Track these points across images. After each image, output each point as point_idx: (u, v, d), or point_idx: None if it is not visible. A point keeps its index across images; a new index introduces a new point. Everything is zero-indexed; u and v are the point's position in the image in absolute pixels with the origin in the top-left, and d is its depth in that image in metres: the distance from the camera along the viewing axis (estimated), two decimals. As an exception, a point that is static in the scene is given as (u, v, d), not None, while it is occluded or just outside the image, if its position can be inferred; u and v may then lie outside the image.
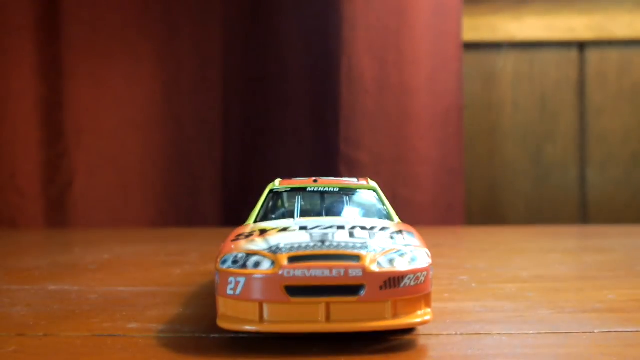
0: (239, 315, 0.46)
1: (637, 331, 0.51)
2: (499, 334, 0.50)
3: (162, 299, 0.64)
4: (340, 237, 0.49)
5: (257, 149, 1.36)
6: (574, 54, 1.45)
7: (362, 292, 0.45)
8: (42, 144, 1.35)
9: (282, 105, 1.35)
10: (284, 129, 1.35)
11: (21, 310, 0.60)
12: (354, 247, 0.47)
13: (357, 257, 0.46)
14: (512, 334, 0.50)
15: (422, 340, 0.49)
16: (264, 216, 0.59)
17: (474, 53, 1.43)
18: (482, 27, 1.43)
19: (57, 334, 0.52)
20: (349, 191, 0.60)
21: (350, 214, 0.58)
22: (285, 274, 0.45)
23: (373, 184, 0.62)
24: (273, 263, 0.46)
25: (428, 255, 0.49)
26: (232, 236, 0.52)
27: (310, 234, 0.50)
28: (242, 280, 0.46)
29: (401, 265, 0.46)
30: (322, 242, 0.48)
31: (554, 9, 1.42)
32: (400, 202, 1.25)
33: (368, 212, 0.58)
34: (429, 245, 0.51)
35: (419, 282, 0.46)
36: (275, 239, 0.49)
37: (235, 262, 0.47)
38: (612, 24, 1.42)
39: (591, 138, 1.45)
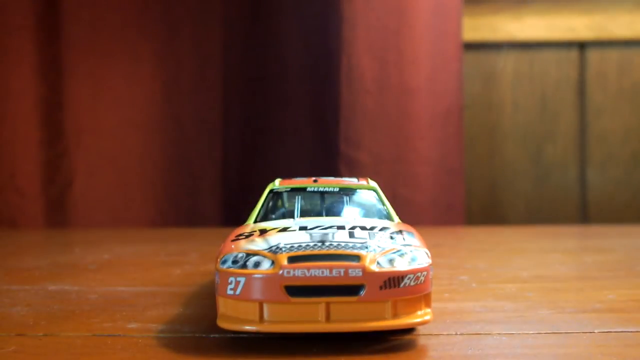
0: (239, 315, 0.46)
1: (637, 331, 0.51)
2: (499, 334, 0.50)
3: (162, 299, 0.64)
4: (340, 237, 0.49)
5: (257, 149, 1.36)
6: (574, 54, 1.45)
7: (362, 292, 0.45)
8: (42, 144, 1.35)
9: (282, 105, 1.34)
10: (284, 129, 1.35)
11: (21, 310, 0.60)
12: (353, 247, 0.47)
13: (357, 257, 0.46)
14: (512, 334, 0.50)
15: (422, 340, 0.49)
16: (264, 216, 0.59)
17: (474, 53, 1.43)
18: (482, 27, 1.43)
19: (57, 334, 0.52)
20: (349, 191, 0.60)
21: (350, 214, 0.58)
22: (285, 274, 0.45)
23: (373, 184, 0.62)
24: (273, 263, 0.46)
25: (428, 255, 0.49)
26: (232, 236, 0.52)
27: (310, 234, 0.50)
28: (242, 280, 0.46)
29: (401, 265, 0.46)
30: (322, 242, 0.48)
31: (554, 8, 1.42)
32: (400, 202, 1.25)
33: (368, 212, 0.58)
34: (429, 245, 0.51)
35: (419, 282, 0.46)
36: (275, 239, 0.49)
37: (235, 262, 0.47)
38: (612, 24, 1.42)
39: (591, 138, 1.45)
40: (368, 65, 1.28)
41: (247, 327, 0.46)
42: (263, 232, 0.52)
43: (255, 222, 0.57)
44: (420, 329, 0.51)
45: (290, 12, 1.33)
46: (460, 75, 1.30)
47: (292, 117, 1.34)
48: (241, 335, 0.49)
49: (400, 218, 0.59)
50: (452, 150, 1.30)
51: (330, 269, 0.45)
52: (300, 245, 0.47)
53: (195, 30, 1.36)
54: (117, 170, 1.36)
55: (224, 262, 0.47)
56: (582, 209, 1.46)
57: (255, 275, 0.45)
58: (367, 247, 0.47)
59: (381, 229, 0.52)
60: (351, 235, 0.50)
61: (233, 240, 0.51)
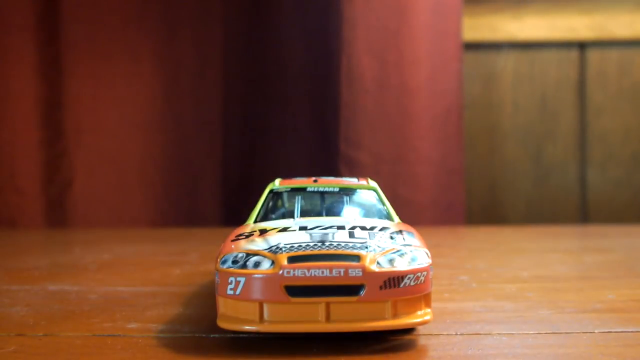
0: (239, 315, 0.46)
1: (637, 331, 0.51)
2: (499, 334, 0.50)
3: (162, 299, 0.64)
4: (340, 237, 0.49)
5: (257, 149, 1.36)
6: (574, 53, 1.45)
7: (362, 292, 0.45)
8: (42, 144, 1.35)
9: (282, 105, 1.34)
10: (284, 129, 1.35)
11: (21, 310, 0.60)
12: (353, 247, 0.47)
13: (357, 257, 0.46)
14: (512, 334, 0.50)
15: (422, 340, 0.49)
16: (264, 216, 0.59)
17: (474, 53, 1.43)
18: (482, 27, 1.43)
19: (57, 334, 0.52)
20: (349, 191, 0.60)
21: (350, 214, 0.58)
22: (285, 274, 0.45)
23: (373, 183, 0.62)
24: (273, 263, 0.46)
25: (428, 255, 0.49)
26: (232, 236, 0.52)
27: (310, 234, 0.50)
28: (242, 280, 0.46)
29: (401, 265, 0.46)
30: (322, 242, 0.48)
31: (555, 8, 1.42)
32: (400, 202, 1.25)
33: (368, 212, 0.58)
34: (429, 245, 0.51)
35: (418, 282, 0.46)
36: (275, 239, 0.49)
37: (235, 262, 0.47)
38: (612, 24, 1.42)
39: (591, 138, 1.45)
40: (368, 65, 1.28)
41: (247, 327, 0.46)
42: (263, 232, 0.52)
43: (255, 222, 0.57)
44: (420, 329, 0.51)
45: (290, 12, 1.33)
46: (460, 75, 1.30)
47: (292, 117, 1.34)
48: (241, 335, 0.49)
49: (400, 218, 0.59)
50: (452, 150, 1.30)
51: (330, 269, 0.45)
52: (300, 245, 0.47)
53: (195, 30, 1.36)
54: (117, 170, 1.36)
55: (224, 262, 0.47)
56: (582, 209, 1.46)
57: (255, 275, 0.45)
58: (367, 247, 0.47)
59: (381, 229, 0.52)
60: (351, 235, 0.50)
61: (233, 240, 0.51)
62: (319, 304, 0.45)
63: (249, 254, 0.47)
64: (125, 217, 1.37)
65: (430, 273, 0.48)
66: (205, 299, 0.64)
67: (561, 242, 1.09)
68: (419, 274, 0.47)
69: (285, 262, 0.45)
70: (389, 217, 0.58)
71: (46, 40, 1.34)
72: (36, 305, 0.62)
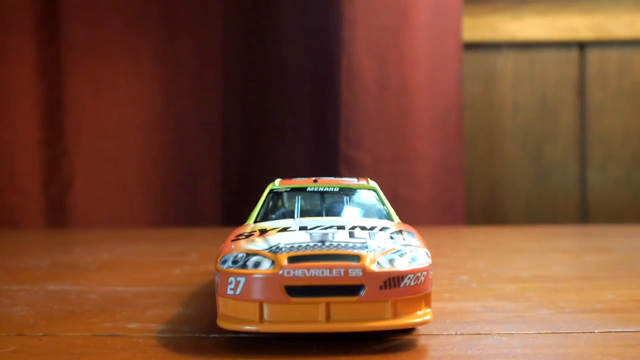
0: (239, 315, 0.46)
1: (637, 331, 0.51)
2: (499, 334, 0.50)
3: (162, 299, 0.64)
4: (340, 237, 0.49)
5: (257, 149, 1.36)
6: (574, 53, 1.45)
7: (362, 292, 0.45)
8: (42, 144, 1.35)
9: (282, 105, 1.35)
10: (284, 129, 1.35)
11: (21, 310, 0.60)
12: (353, 247, 0.47)
13: (357, 257, 0.46)
14: (512, 334, 0.50)
15: (422, 340, 0.49)
16: (264, 216, 0.59)
17: (474, 53, 1.43)
18: (482, 27, 1.43)
19: (57, 334, 0.52)
20: (349, 191, 0.60)
21: (350, 214, 0.58)
22: (285, 274, 0.45)
23: (373, 183, 0.62)
24: (273, 263, 0.46)
25: (428, 255, 0.49)
26: (232, 236, 0.52)
27: (310, 234, 0.50)
28: (242, 280, 0.46)
29: (401, 265, 0.46)
30: (322, 242, 0.48)
31: (554, 8, 1.42)
32: (400, 202, 1.25)
33: (368, 212, 0.58)
34: (429, 245, 0.51)
35: (419, 282, 0.46)
36: (275, 239, 0.49)
37: (235, 262, 0.47)
38: (612, 24, 1.42)
39: (591, 138, 1.45)
40: (368, 65, 1.28)
41: (247, 327, 0.46)
42: (263, 232, 0.52)
43: (255, 222, 0.57)
44: (420, 329, 0.51)
45: (290, 12, 1.33)
46: (460, 75, 1.30)
47: (292, 117, 1.34)
48: (241, 335, 0.49)
49: (400, 218, 0.59)
50: (452, 150, 1.30)
51: (330, 269, 0.45)
52: (300, 245, 0.47)
53: (195, 30, 1.36)
54: (117, 170, 1.36)
55: (224, 262, 0.47)
56: (582, 209, 1.46)
57: (255, 275, 0.45)
58: (367, 247, 0.47)
59: (381, 229, 0.52)
60: (351, 235, 0.50)
61: (233, 240, 0.51)
62: (319, 304, 0.45)
63: (249, 254, 0.47)
64: (125, 217, 1.37)
65: (430, 273, 0.48)
66: (205, 299, 0.64)
67: (561, 242, 1.09)
68: (419, 274, 0.47)
69: (285, 262, 0.45)
70: (389, 217, 0.58)
71: (46, 40, 1.34)
72: (36, 305, 0.62)
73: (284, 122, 1.34)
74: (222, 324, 0.47)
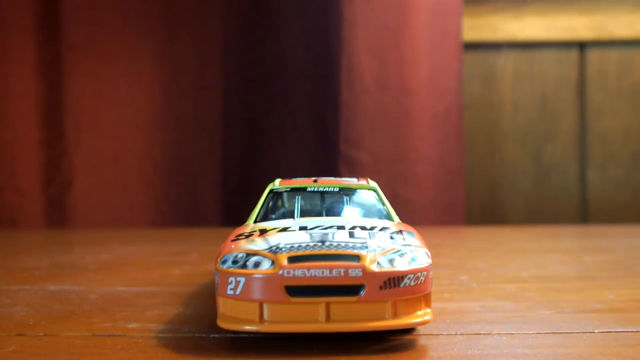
0: (239, 315, 0.46)
1: (637, 331, 0.51)
2: (499, 334, 0.50)
3: (162, 299, 0.64)
4: (340, 237, 0.49)
5: (257, 149, 1.36)
6: (574, 53, 1.45)
7: (362, 292, 0.45)
8: (42, 144, 1.35)
9: (282, 105, 1.35)
10: (284, 129, 1.35)
11: (21, 310, 0.60)
12: (353, 247, 0.47)
13: (357, 257, 0.46)
14: (512, 334, 0.50)
15: (422, 340, 0.49)
16: (264, 216, 0.59)
17: (474, 53, 1.43)
18: (482, 27, 1.43)
19: (57, 334, 0.52)
20: (349, 191, 0.60)
21: (350, 214, 0.58)
22: (285, 274, 0.45)
23: (373, 184, 0.62)
24: (273, 263, 0.46)
25: (428, 255, 0.49)
26: (232, 236, 0.52)
27: (310, 234, 0.50)
28: (242, 280, 0.46)
29: (401, 265, 0.46)
30: (322, 242, 0.48)
31: (555, 8, 1.42)
32: (400, 202, 1.25)
33: (368, 212, 0.58)
34: (429, 245, 0.51)
35: (418, 282, 0.46)
36: (275, 239, 0.49)
37: (235, 262, 0.47)
38: (612, 24, 1.42)
39: (591, 138, 1.45)
40: (368, 65, 1.28)
41: (247, 327, 0.46)
42: (263, 232, 0.52)
43: (255, 222, 0.57)
44: (420, 329, 0.51)
45: (290, 12, 1.33)
46: (460, 75, 1.30)
47: (292, 117, 1.34)
48: (241, 335, 0.49)
49: (400, 218, 0.59)
50: (452, 150, 1.30)
51: (330, 269, 0.45)
52: (300, 245, 0.47)
53: (195, 30, 1.36)
54: (117, 170, 1.36)
55: (224, 262, 0.47)
56: (582, 209, 1.46)
57: (255, 275, 0.45)
58: (367, 247, 0.47)
59: (381, 229, 0.52)
60: (351, 235, 0.50)
61: (233, 240, 0.51)
62: (319, 304, 0.45)
63: (249, 254, 0.47)
64: (125, 217, 1.37)
65: (430, 273, 0.48)
66: (205, 299, 0.64)
67: (561, 242, 1.09)
68: (419, 274, 0.47)
69: (285, 262, 0.45)
70: (389, 217, 0.58)
71: (46, 40, 1.34)
72: (36, 305, 0.62)
73: (284, 122, 1.35)
74: (222, 324, 0.47)
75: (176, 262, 0.88)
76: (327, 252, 0.46)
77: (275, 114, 1.35)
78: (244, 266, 0.46)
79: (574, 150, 1.45)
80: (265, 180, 0.65)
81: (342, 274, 0.45)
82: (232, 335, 0.50)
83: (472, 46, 1.42)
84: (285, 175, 0.65)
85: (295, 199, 0.60)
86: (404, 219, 0.59)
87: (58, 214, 1.36)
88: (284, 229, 0.52)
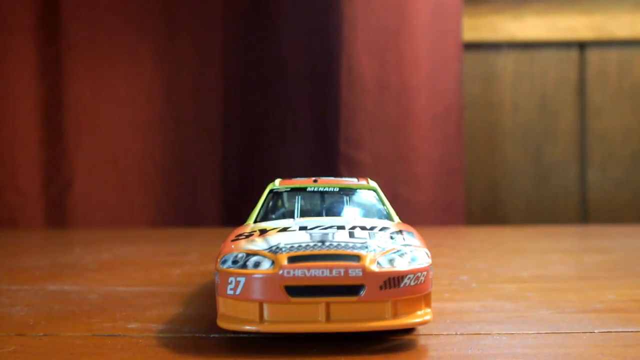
0: (239, 315, 0.46)
1: (637, 331, 0.51)
2: (499, 334, 0.50)
3: (162, 299, 0.64)
4: (340, 237, 0.49)
5: (257, 149, 1.36)
6: (574, 53, 1.45)
7: (362, 292, 0.45)
8: (42, 144, 1.35)
9: (282, 105, 1.35)
10: (284, 129, 1.35)
11: (21, 310, 0.60)
12: (353, 247, 0.47)
13: (357, 257, 0.46)
14: (512, 334, 0.50)
15: (422, 340, 0.49)
16: (264, 216, 0.59)
17: (474, 53, 1.43)
18: (482, 27, 1.43)
19: (57, 334, 0.52)
20: (349, 191, 0.60)
21: (350, 214, 0.58)
22: (285, 274, 0.45)
23: (373, 184, 0.62)
24: (273, 263, 0.46)
25: (428, 255, 0.49)
26: (232, 236, 0.52)
27: (310, 234, 0.50)
28: (242, 280, 0.46)
29: (401, 265, 0.46)
30: (322, 242, 0.48)
31: (554, 8, 1.42)
32: (400, 202, 1.25)
33: (368, 212, 0.58)
34: (429, 245, 0.51)
35: (419, 282, 0.46)
36: (275, 239, 0.49)
37: (235, 262, 0.47)
38: (612, 24, 1.42)
39: (591, 138, 1.45)
40: (368, 65, 1.28)
41: (247, 327, 0.46)
42: (263, 232, 0.52)
43: (255, 222, 0.57)
44: (420, 329, 0.51)
45: (290, 12, 1.33)
46: (460, 75, 1.30)
47: (292, 117, 1.34)
48: (241, 335, 0.49)
49: (400, 218, 0.59)
50: (452, 150, 1.30)
51: (330, 269, 0.45)
52: (300, 245, 0.47)
53: (195, 30, 1.36)
54: (117, 170, 1.36)
55: (224, 262, 0.47)
56: (582, 209, 1.46)
57: (255, 275, 0.45)
58: (367, 247, 0.47)
59: (381, 229, 0.52)
60: (351, 235, 0.50)
61: (233, 240, 0.51)
62: (319, 304, 0.45)
63: (249, 254, 0.47)
64: (125, 217, 1.37)
65: (430, 273, 0.48)
66: (205, 299, 0.64)
67: (561, 242, 1.09)
68: (419, 274, 0.47)
69: (285, 262, 0.45)
70: (389, 217, 0.58)
71: (46, 40, 1.34)
72: (36, 305, 0.62)
73: (284, 122, 1.35)
74: (222, 324, 0.47)
75: (176, 262, 0.88)
76: (327, 252, 0.46)
77: (275, 114, 1.35)
78: (244, 266, 0.46)
79: (574, 150, 1.45)
80: (265, 180, 0.65)
81: (342, 274, 0.45)
82: (232, 335, 0.50)
83: (472, 46, 1.42)
84: (285, 175, 0.65)
85: (295, 199, 0.60)
86: (404, 219, 0.59)
87: (58, 214, 1.36)
88: (284, 229, 0.52)
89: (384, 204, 0.60)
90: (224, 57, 1.36)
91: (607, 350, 0.46)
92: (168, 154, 1.37)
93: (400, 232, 0.52)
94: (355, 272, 0.45)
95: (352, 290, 0.45)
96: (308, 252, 0.46)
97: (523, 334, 0.50)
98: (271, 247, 0.48)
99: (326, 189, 0.60)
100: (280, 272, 0.45)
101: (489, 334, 0.50)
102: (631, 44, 1.44)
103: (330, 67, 1.30)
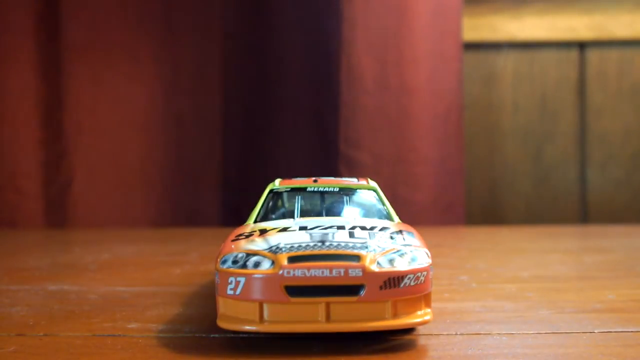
0: (239, 315, 0.46)
1: (637, 331, 0.51)
2: (499, 334, 0.50)
3: (162, 299, 0.64)
4: (340, 237, 0.49)
5: (257, 149, 1.36)
6: (574, 54, 1.45)
7: (362, 292, 0.45)
8: (42, 144, 1.35)
9: (282, 105, 1.35)
10: (284, 129, 1.35)
11: (21, 310, 0.60)
12: (353, 247, 0.47)
13: (357, 257, 0.46)
14: (512, 334, 0.50)
15: (422, 340, 0.49)
16: (264, 216, 0.59)
17: (474, 53, 1.43)
18: (482, 27, 1.43)
19: (57, 334, 0.52)
20: (349, 191, 0.60)
21: (350, 214, 0.58)
22: (285, 274, 0.45)
23: (373, 184, 0.62)
24: (273, 263, 0.46)
25: (428, 255, 0.49)
26: (232, 236, 0.52)
27: (310, 234, 0.50)
28: (242, 280, 0.46)
29: (401, 265, 0.46)
30: (322, 242, 0.48)
31: (554, 8, 1.42)
32: (400, 202, 1.25)
33: (368, 212, 0.58)
34: (429, 245, 0.51)
35: (419, 282, 0.46)
36: (275, 239, 0.49)
37: (235, 262, 0.47)
38: (612, 24, 1.42)
39: (591, 138, 1.45)
40: (368, 65, 1.28)
41: (247, 327, 0.46)
42: (263, 232, 0.52)
43: (255, 222, 0.57)
44: (420, 329, 0.51)
45: (290, 12, 1.33)
46: (460, 75, 1.30)
47: (292, 117, 1.34)
48: (241, 335, 0.49)
49: (400, 218, 0.59)
50: (452, 150, 1.30)
51: (330, 269, 0.45)
52: (300, 245, 0.47)
53: (195, 31, 1.36)
54: (117, 170, 1.36)
55: (224, 262, 0.47)
56: (582, 209, 1.46)
57: (255, 275, 0.45)
58: (367, 247, 0.47)
59: (381, 229, 0.52)
60: (351, 235, 0.50)
61: (233, 240, 0.51)
62: (319, 304, 0.45)
63: (249, 254, 0.47)
64: (125, 217, 1.37)
65: (430, 273, 0.48)
66: (206, 299, 0.64)
67: (561, 242, 1.09)
68: (419, 274, 0.47)
69: (285, 262, 0.45)
70: (389, 217, 0.58)
71: (46, 40, 1.34)
72: (36, 305, 0.62)
73: (284, 122, 1.35)
74: (222, 324, 0.47)
75: (176, 262, 0.88)
76: (327, 252, 0.46)
77: (275, 114, 1.35)
78: (244, 266, 0.46)
79: (574, 150, 1.45)
80: (265, 180, 0.65)
81: (342, 274, 0.45)
82: (232, 335, 0.50)
83: (472, 46, 1.42)
84: (285, 175, 0.65)
85: (295, 199, 0.60)
86: (404, 219, 0.59)
87: (58, 214, 1.36)
88: (284, 229, 0.52)
89: (384, 204, 0.60)
90: (224, 57, 1.36)
91: (607, 350, 0.46)
92: (168, 154, 1.37)
93: (400, 232, 0.52)
94: (355, 272, 0.45)
95: (352, 290, 0.45)
96: (308, 252, 0.46)
97: (523, 334, 0.50)
98: (271, 247, 0.48)
99: (326, 189, 0.60)
100: (280, 272, 0.45)
101: (489, 334, 0.50)
102: (631, 44, 1.44)
103: (330, 67, 1.30)
